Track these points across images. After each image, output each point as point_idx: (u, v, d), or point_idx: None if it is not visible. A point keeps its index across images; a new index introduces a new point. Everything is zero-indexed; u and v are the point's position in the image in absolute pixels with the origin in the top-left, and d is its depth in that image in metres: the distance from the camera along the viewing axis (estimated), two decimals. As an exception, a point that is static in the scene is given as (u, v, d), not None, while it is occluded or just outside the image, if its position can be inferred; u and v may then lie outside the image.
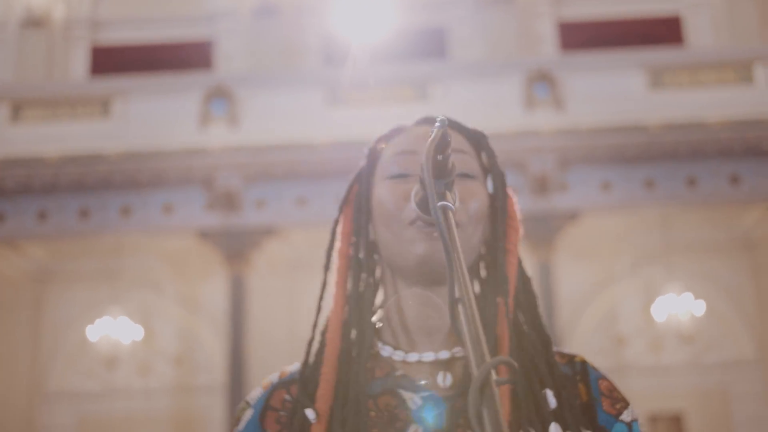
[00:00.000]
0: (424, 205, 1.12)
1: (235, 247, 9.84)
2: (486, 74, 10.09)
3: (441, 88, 10.01)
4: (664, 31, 11.89)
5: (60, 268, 11.62)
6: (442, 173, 1.05)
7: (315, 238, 11.53)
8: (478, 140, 1.33)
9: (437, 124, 1.02)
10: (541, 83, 9.78)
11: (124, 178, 9.90)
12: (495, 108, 9.76)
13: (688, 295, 10.47)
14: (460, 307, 0.92)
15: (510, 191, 1.32)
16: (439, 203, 1.01)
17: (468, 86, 9.96)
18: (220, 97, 10.03)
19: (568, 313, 10.63)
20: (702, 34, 11.96)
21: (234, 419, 1.32)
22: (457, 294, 0.92)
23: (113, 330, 10.96)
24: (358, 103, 9.99)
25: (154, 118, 10.17)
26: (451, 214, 1.02)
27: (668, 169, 9.57)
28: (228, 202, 9.82)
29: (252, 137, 9.79)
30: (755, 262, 11.61)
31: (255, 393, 1.32)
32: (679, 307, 10.42)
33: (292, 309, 11.86)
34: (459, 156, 1.23)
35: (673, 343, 10.70)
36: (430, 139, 1.01)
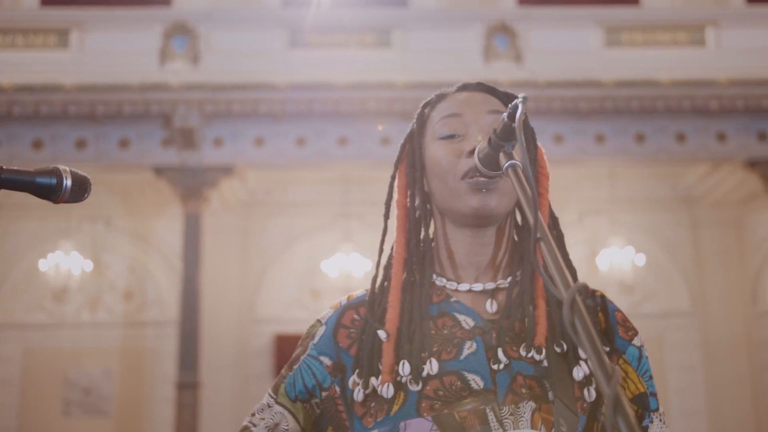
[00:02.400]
0: (487, 160, 1.36)
1: (191, 185, 9.89)
2: (447, 24, 10.20)
3: (403, 35, 10.11)
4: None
5: (10, 199, 11.55)
6: (510, 137, 1.28)
7: (270, 178, 11.70)
8: (509, 100, 1.54)
9: (520, 98, 1.22)
10: (501, 35, 9.93)
11: (79, 111, 9.83)
12: (455, 58, 9.90)
13: (630, 248, 10.85)
14: (541, 244, 1.14)
15: (539, 144, 1.55)
16: (509, 162, 1.27)
17: (430, 35, 10.08)
18: (180, 33, 10.00)
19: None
20: (657, -7, 12.19)
21: (306, 335, 1.56)
22: (538, 234, 1.15)
23: (63, 263, 10.99)
24: (319, 46, 10.04)
25: (112, 52, 10.11)
26: (520, 170, 1.25)
27: (619, 124, 9.85)
28: (185, 139, 9.84)
29: (212, 75, 9.79)
30: (694, 217, 12.03)
31: (326, 313, 1.56)
32: (621, 258, 10.79)
33: (246, 248, 11.99)
34: (498, 117, 1.43)
35: (614, 292, 11.09)
36: (519, 113, 1.21)
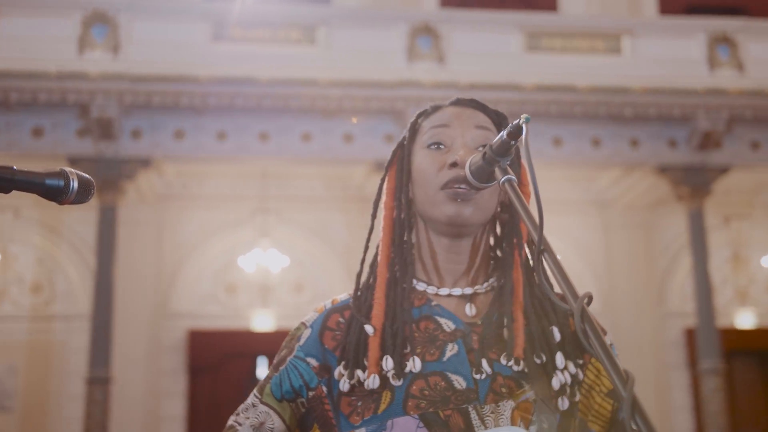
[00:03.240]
0: (478, 173, 1.43)
1: (108, 177, 9.70)
2: (372, 23, 10.25)
3: (327, 32, 10.11)
4: (540, -4, 12.35)
5: None
6: (506, 153, 1.35)
7: (188, 171, 11.56)
8: (500, 120, 1.62)
9: (523, 119, 1.29)
10: (425, 36, 10.03)
11: (-8, 98, 9.56)
12: (379, 57, 9.95)
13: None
14: (545, 255, 1.22)
15: (523, 162, 1.62)
16: (506, 177, 1.34)
17: (354, 33, 10.11)
18: (100, 22, 9.79)
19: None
20: (575, 2, 12.48)
21: (291, 338, 1.60)
22: (542, 246, 1.23)
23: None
24: (243, 41, 9.97)
25: (29, 38, 9.84)
26: (516, 184, 1.33)
27: (537, 128, 10.05)
28: (103, 130, 9.65)
29: (132, 66, 9.63)
30: (605, 220, 12.36)
31: (310, 316, 1.61)
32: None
33: (161, 241, 11.83)
34: (484, 132, 1.56)
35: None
36: (525, 133, 1.29)
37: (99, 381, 9.46)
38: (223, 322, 11.68)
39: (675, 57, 10.55)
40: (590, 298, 1.14)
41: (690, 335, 11.80)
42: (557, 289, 1.27)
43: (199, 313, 11.75)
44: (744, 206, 12.58)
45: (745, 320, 12.57)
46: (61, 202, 1.25)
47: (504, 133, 1.33)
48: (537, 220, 1.24)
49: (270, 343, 11.62)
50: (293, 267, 11.64)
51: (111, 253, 9.72)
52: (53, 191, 1.24)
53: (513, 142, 1.32)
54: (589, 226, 12.28)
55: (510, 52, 10.30)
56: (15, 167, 1.21)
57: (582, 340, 1.11)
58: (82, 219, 11.15)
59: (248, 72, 9.57)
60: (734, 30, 10.71)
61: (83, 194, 1.26)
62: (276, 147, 9.95)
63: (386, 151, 8.98)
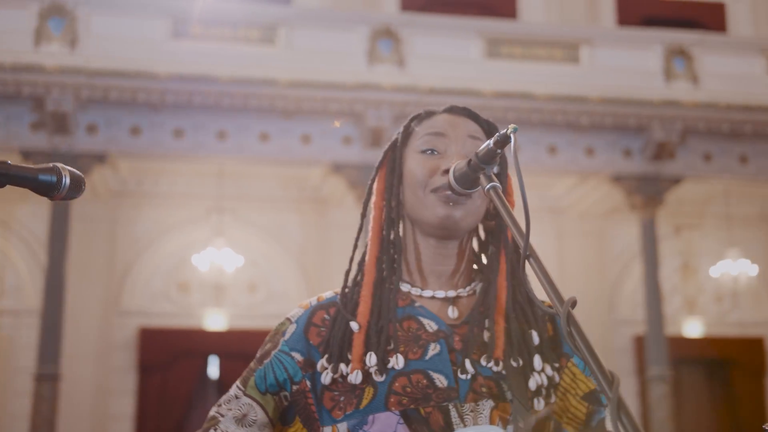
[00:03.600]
0: (462, 179, 1.47)
1: (61, 171, 9.56)
2: (333, 25, 10.24)
3: (288, 33, 10.07)
4: (500, 4, 12.43)
5: None
6: (491, 161, 1.39)
7: (143, 168, 11.45)
8: (490, 129, 1.66)
9: (511, 129, 1.32)
10: (386, 39, 10.04)
11: (-58, 88, 9.39)
12: (339, 59, 9.95)
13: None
14: (531, 260, 1.25)
15: (509, 172, 1.66)
16: (491, 184, 1.38)
17: (315, 34, 10.09)
18: (57, 15, 9.65)
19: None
20: (534, 11, 12.59)
21: (275, 332, 1.64)
22: (528, 252, 1.26)
23: None
24: (203, 39, 9.89)
25: (-17, 29, 9.68)
26: (501, 191, 1.37)
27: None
28: (58, 124, 9.52)
29: (90, 60, 9.50)
30: (560, 227, 12.48)
31: (296, 311, 1.65)
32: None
33: (113, 238, 11.70)
34: (477, 142, 1.59)
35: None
36: (513, 143, 1.31)
37: (47, 378, 9.33)
38: (175, 321, 11.58)
39: (632, 68, 10.69)
40: (575, 303, 1.17)
41: (639, 342, 11.96)
42: (541, 293, 1.30)
43: (150, 311, 11.65)
44: (695, 217, 12.79)
45: (693, 329, 12.78)
46: (52, 198, 1.26)
47: (491, 142, 1.36)
48: (523, 226, 1.27)
49: (222, 343, 11.56)
50: (247, 267, 11.59)
51: (63, 248, 9.59)
52: (46, 186, 1.25)
53: (499, 151, 1.36)
54: (543, 233, 12.37)
55: (470, 57, 10.36)
56: (9, 162, 1.22)
57: (568, 342, 1.15)
58: (34, 214, 11.00)
59: (207, 70, 9.51)
60: (690, 43, 10.88)
61: (74, 190, 1.27)
62: (233, 146, 9.90)
63: (344, 153, 8.96)
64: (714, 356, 12.82)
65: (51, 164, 1.27)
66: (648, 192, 10.60)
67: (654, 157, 10.53)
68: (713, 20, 13.07)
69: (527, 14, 12.55)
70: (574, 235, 12.53)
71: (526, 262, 1.27)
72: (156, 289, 11.77)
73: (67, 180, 1.26)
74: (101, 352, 11.38)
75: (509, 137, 1.32)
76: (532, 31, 10.96)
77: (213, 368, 11.62)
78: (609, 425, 1.59)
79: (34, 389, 9.37)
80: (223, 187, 11.36)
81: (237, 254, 11.08)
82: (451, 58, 10.24)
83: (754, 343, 12.96)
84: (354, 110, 9.81)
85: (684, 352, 12.13)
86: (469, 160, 1.43)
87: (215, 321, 11.67)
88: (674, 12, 13.10)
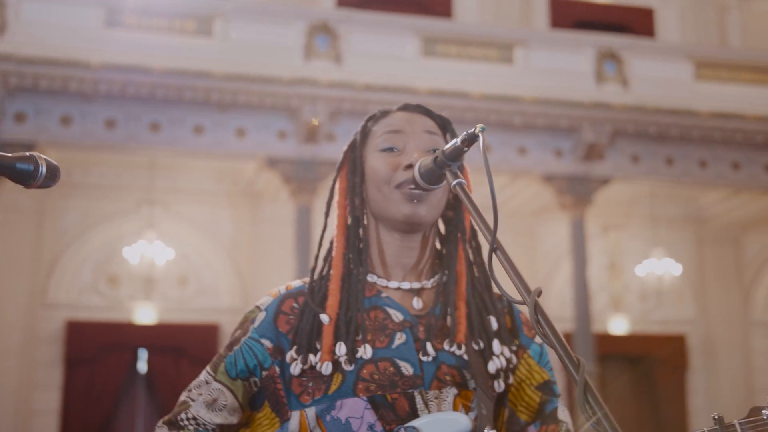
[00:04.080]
0: (427, 175, 1.53)
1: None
2: (270, 18, 10.18)
3: (225, 25, 9.99)
4: (435, 3, 12.52)
5: None
6: (457, 158, 1.45)
7: (72, 158, 11.22)
8: (444, 124, 1.74)
9: (479, 128, 1.38)
10: (323, 35, 10.04)
11: None
12: (276, 53, 9.91)
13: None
14: (498, 252, 1.33)
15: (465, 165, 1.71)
16: (457, 180, 1.45)
17: (252, 28, 10.02)
18: (-13, 1, 9.43)
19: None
20: (469, 11, 12.70)
21: (245, 320, 1.68)
22: (495, 245, 1.34)
23: None
24: (138, 29, 9.75)
25: None
26: (466, 187, 1.43)
27: (429, 132, 10.18)
28: (-15, 112, 9.31)
29: (19, 47, 9.29)
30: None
31: (265, 300, 1.69)
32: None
33: (40, 229, 11.48)
34: (433, 137, 1.67)
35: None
36: (482, 142, 1.38)
37: (-30, 371, 9.14)
38: (104, 314, 11.42)
39: (564, 70, 10.88)
40: (540, 293, 1.24)
41: (567, 339, 12.14)
42: (508, 284, 1.35)
43: (78, 304, 11.46)
44: (622, 217, 13.08)
45: (619, 326, 13.07)
46: (28, 186, 1.29)
47: (458, 140, 1.42)
48: (489, 220, 1.35)
49: (152, 336, 11.44)
50: (178, 260, 11.49)
51: (-12, 239, 9.39)
52: (23, 175, 1.28)
53: (466, 149, 1.43)
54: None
55: (406, 55, 10.41)
56: None
57: (536, 329, 1.21)
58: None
59: (141, 60, 9.38)
60: (620, 47, 11.11)
61: (50, 179, 1.30)
62: (167, 138, 9.79)
63: (279, 148, 8.92)
64: (638, 352, 13.14)
65: (28, 153, 1.30)
66: (577, 192, 10.80)
67: (584, 157, 10.73)
68: (643, 25, 13.36)
69: (462, 14, 12.67)
70: (504, 234, 12.61)
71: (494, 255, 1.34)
72: (84, 281, 11.59)
73: (43, 169, 1.29)
74: (26, 345, 11.16)
75: (477, 136, 1.39)
76: (468, 30, 11.06)
77: (142, 362, 11.49)
78: (561, 414, 1.69)
79: (-43, 383, 9.17)
80: (155, 180, 11.24)
81: (168, 247, 10.97)
82: (387, 56, 10.28)
83: (677, 340, 13.32)
84: (290, 105, 9.80)
85: (610, 348, 12.40)
86: (435, 157, 1.49)
87: (145, 314, 11.54)
88: (605, 16, 13.36)
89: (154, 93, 9.52)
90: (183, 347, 11.36)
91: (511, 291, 1.31)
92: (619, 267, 13.27)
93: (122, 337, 11.30)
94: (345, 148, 1.75)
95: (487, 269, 1.37)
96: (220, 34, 9.95)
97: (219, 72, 9.55)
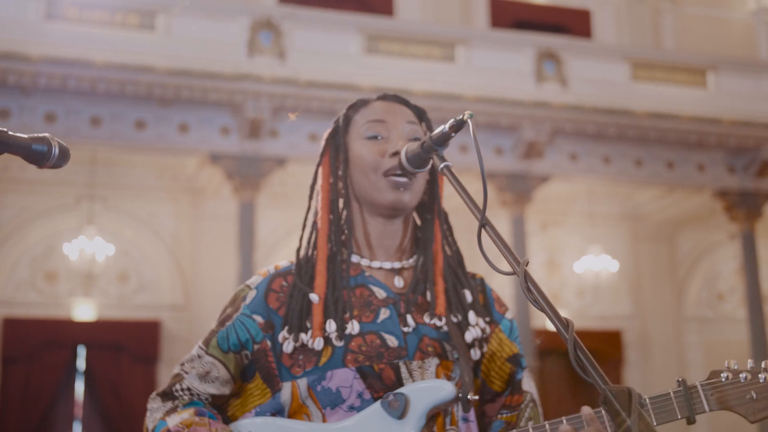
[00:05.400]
0: (414, 159, 1.64)
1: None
2: (214, 13, 10.13)
3: (167, 20, 9.92)
4: (377, 1, 12.58)
5: None
6: (444, 143, 1.56)
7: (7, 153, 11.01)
8: (420, 113, 1.88)
9: (467, 115, 1.47)
10: (266, 31, 10.04)
11: None
12: (220, 49, 9.88)
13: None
14: (487, 228, 1.45)
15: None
16: (444, 164, 1.55)
17: (195, 22, 9.96)
18: None
19: (263, 252, 11.10)
20: (410, 9, 12.80)
21: (235, 298, 1.78)
22: (484, 221, 1.46)
23: None
24: (79, 22, 9.63)
25: None
26: (452, 170, 1.54)
27: (372, 129, 10.24)
28: None
29: (-44, 39, 9.15)
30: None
31: (255, 279, 1.80)
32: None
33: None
34: (414, 126, 1.80)
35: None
36: (472, 128, 1.47)
37: None
38: (42, 311, 11.27)
39: (505, 69, 11.03)
40: (528, 262, 1.37)
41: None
42: (498, 257, 1.45)
43: (15, 301, 11.30)
44: (560, 214, 13.31)
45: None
46: (41, 166, 1.37)
47: (446, 126, 1.52)
48: (479, 200, 1.45)
49: (91, 333, 11.32)
50: (118, 256, 11.39)
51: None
52: (38, 155, 1.35)
53: (453, 135, 1.53)
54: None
55: (349, 53, 10.47)
56: (8, 131, 1.27)
57: (526, 296, 1.34)
58: None
59: (83, 54, 9.29)
60: (559, 47, 11.31)
61: (62, 159, 1.38)
62: (108, 133, 9.71)
63: (222, 144, 8.91)
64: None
65: (42, 135, 1.37)
66: (518, 189, 10.98)
67: (524, 155, 10.91)
68: (580, 26, 13.59)
69: (404, 12, 12.76)
70: (459, 231, 12.79)
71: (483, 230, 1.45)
72: (21, 277, 11.42)
73: (56, 150, 1.36)
74: (-38, 342, 10.97)
75: (465, 122, 1.48)
76: (411, 29, 11.15)
77: (81, 359, 11.36)
78: (525, 385, 1.85)
79: None
80: (96, 175, 11.12)
81: (108, 243, 10.87)
82: (330, 53, 10.32)
83: (613, 336, 13.60)
84: (233, 101, 9.78)
85: (549, 344, 12.59)
86: (423, 142, 1.61)
87: (84, 311, 11.42)
88: (544, 17, 13.56)
89: (96, 87, 9.44)
90: (123, 344, 11.27)
91: (501, 264, 1.43)
92: (558, 263, 13.51)
93: (61, 334, 11.16)
94: (325, 135, 1.85)
95: (478, 244, 1.46)
96: (162, 28, 9.90)
97: (161, 67, 9.49)
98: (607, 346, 13.42)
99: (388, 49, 10.64)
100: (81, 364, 11.36)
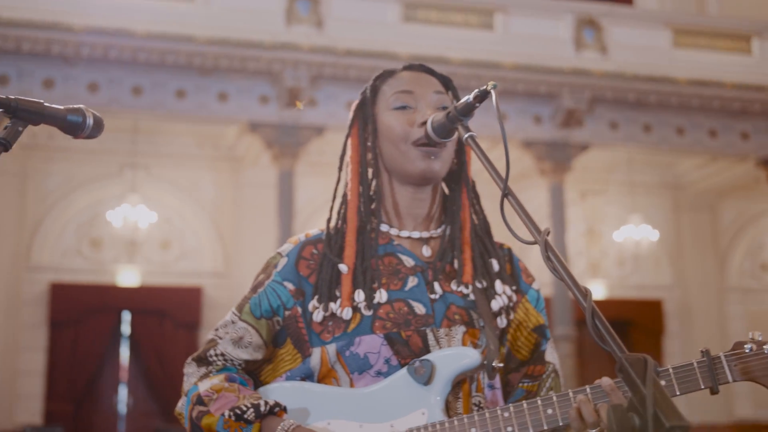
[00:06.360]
0: (440, 129, 1.67)
1: (-29, 123, 9.39)
2: (252, -17, 10.18)
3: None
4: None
5: None
6: (469, 113, 1.59)
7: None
8: (446, 83, 1.88)
9: (490, 85, 1.50)
10: (304, 0, 10.07)
11: None
12: (258, 18, 9.93)
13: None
14: (509, 197, 1.46)
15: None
16: (468, 133, 1.58)
17: (233, -7, 10.04)
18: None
19: (302, 220, 11.21)
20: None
21: (267, 265, 1.83)
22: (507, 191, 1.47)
23: None
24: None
25: None
26: (477, 140, 1.56)
27: (409, 98, 10.25)
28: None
29: (2, 10, 9.23)
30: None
31: (286, 246, 1.84)
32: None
33: (24, 192, 11.54)
34: (441, 96, 1.81)
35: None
36: (495, 99, 1.49)
37: (-45, 332, 9.24)
38: (87, 276, 11.52)
39: (544, 36, 10.95)
40: (549, 231, 1.38)
41: (546, 303, 12.34)
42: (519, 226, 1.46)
43: (62, 267, 11.55)
44: (600, 183, 13.23)
45: (596, 291, 13.26)
46: (76, 136, 1.42)
47: (470, 97, 1.55)
48: (501, 170, 1.47)
49: (134, 299, 11.55)
50: (161, 223, 11.58)
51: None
52: (73, 126, 1.41)
53: (477, 105, 1.56)
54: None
55: (387, 21, 10.46)
56: (45, 103, 1.35)
57: (547, 265, 1.34)
58: (-59, 166, 10.77)
59: (124, 24, 9.41)
60: (599, 13, 11.19)
61: (96, 130, 1.43)
62: (149, 102, 9.84)
63: (260, 112, 8.98)
64: (615, 317, 13.34)
65: (77, 106, 1.42)
66: (556, 158, 10.93)
67: (563, 124, 10.85)
68: (622, -8, 13.41)
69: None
70: (483, 200, 12.78)
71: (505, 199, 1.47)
72: (68, 244, 11.67)
73: (90, 120, 1.42)
74: (11, 307, 11.25)
75: (489, 93, 1.51)
76: (449, -5, 11.10)
77: (125, 324, 11.61)
78: (548, 356, 1.88)
79: (-59, 344, 9.27)
80: (138, 143, 11.29)
81: (150, 211, 11.05)
82: (368, 21, 10.33)
83: (653, 305, 13.54)
84: (272, 69, 9.85)
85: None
86: (448, 112, 1.63)
87: (128, 277, 11.65)
88: (585, -17, 13.39)
89: (137, 57, 9.56)
90: (166, 310, 11.49)
91: (523, 232, 1.43)
92: (597, 233, 13.45)
93: (106, 300, 11.41)
94: (353, 106, 1.87)
95: (501, 214, 1.48)
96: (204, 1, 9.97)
97: (201, 36, 9.58)
98: (647, 316, 13.37)
99: (425, 16, 10.61)
100: (126, 329, 11.61)
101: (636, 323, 13.26)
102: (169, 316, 11.50)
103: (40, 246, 11.57)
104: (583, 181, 12.69)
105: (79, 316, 11.23)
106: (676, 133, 11.42)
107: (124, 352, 11.59)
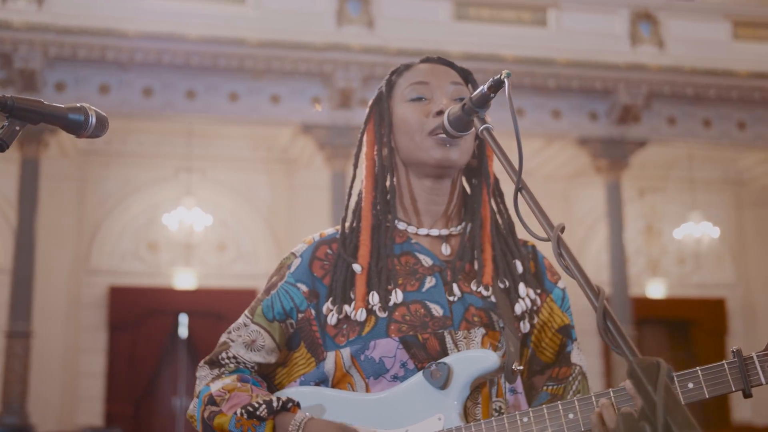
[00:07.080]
0: (456, 122, 1.59)
1: (29, 130, 9.51)
2: (301, -15, 10.21)
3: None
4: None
5: None
6: (484, 104, 1.50)
7: (110, 127, 11.37)
8: (465, 75, 1.81)
9: (504, 74, 1.41)
10: (355, 0, 10.06)
11: None
12: (308, 20, 9.96)
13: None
14: (523, 192, 1.37)
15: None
16: (484, 125, 1.48)
17: (284, -5, 10.08)
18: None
19: (356, 223, 11.19)
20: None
21: (281, 266, 1.76)
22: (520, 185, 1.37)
23: None
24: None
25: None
26: (493, 132, 1.47)
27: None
28: (26, 81, 9.52)
29: (58, 17, 9.45)
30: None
31: (300, 247, 1.77)
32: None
33: (82, 197, 11.72)
34: (459, 87, 1.73)
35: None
36: (508, 87, 1.40)
37: (19, 335, 9.41)
38: (145, 280, 11.66)
39: (598, 31, 10.79)
40: (563, 228, 1.29)
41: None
42: (533, 222, 1.39)
43: (120, 270, 11.71)
44: (658, 180, 12.99)
45: (656, 290, 13.03)
46: (79, 135, 1.39)
47: (485, 87, 1.46)
48: (515, 164, 1.38)
49: (191, 301, 11.66)
50: (216, 226, 11.67)
51: (32, 207, 9.61)
52: (75, 125, 1.38)
53: (492, 95, 1.47)
54: (507, 194, 12.42)
55: (438, 20, 10.41)
56: (44, 101, 1.32)
57: (559, 262, 1.27)
58: (3, 173, 10.98)
59: (176, 29, 9.50)
60: (656, 7, 10.99)
61: (100, 128, 1.40)
62: (202, 105, 9.92)
63: (313, 114, 8.98)
64: (676, 317, 13.10)
65: (79, 104, 1.38)
66: (613, 155, 10.76)
67: (619, 120, 10.67)
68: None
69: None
70: (539, 198, 12.52)
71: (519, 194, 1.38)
72: (125, 248, 11.82)
73: (93, 119, 1.38)
74: (71, 310, 11.44)
75: (503, 82, 1.42)
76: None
77: (182, 327, 11.72)
78: (575, 358, 1.78)
79: (6, 346, 9.45)
80: (192, 147, 11.39)
81: (206, 214, 11.15)
82: (419, 20, 10.28)
83: (716, 304, 13.25)
84: (323, 71, 9.86)
85: (647, 312, 12.38)
86: (464, 104, 1.55)
87: (184, 280, 11.76)
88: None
89: (189, 61, 9.65)
90: (222, 312, 11.55)
91: (536, 229, 1.36)
92: (657, 230, 13.21)
93: (163, 302, 11.54)
94: (370, 102, 1.81)
95: (514, 209, 1.41)
96: (253, 1, 10.03)
97: (253, 39, 9.63)
98: (709, 316, 13.10)
99: (477, 14, 10.53)
100: (183, 331, 11.72)
101: (698, 323, 13.00)
102: (225, 318, 11.54)
103: (99, 250, 11.75)
104: (642, 178, 12.47)
105: (138, 318, 11.37)
106: (737, 127, 11.17)
107: (182, 354, 11.70)
